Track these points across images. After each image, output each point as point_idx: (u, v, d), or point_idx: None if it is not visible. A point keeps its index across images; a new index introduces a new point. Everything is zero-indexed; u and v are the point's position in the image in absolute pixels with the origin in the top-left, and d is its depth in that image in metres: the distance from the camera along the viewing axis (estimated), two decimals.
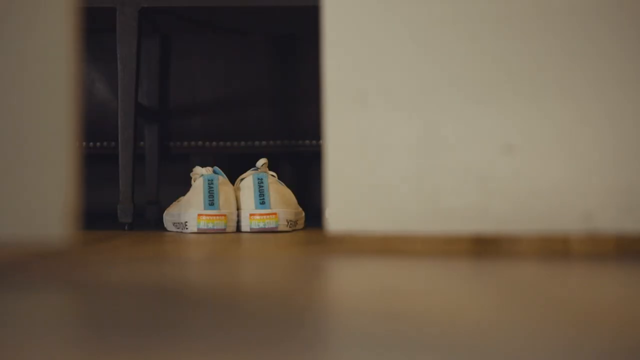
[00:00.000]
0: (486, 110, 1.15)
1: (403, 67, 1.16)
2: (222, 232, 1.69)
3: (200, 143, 2.25)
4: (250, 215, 1.70)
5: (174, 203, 1.84)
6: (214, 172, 1.74)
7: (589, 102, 1.15)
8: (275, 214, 1.70)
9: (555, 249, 1.15)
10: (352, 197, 1.16)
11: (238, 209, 1.72)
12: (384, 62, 1.16)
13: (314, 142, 2.25)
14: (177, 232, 1.74)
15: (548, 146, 1.15)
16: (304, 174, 2.38)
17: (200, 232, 1.68)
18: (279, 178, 1.85)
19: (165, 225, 1.83)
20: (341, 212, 1.16)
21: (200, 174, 1.74)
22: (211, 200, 1.68)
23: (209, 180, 1.70)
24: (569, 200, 1.15)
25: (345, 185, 1.16)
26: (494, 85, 1.15)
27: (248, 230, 1.70)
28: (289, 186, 1.91)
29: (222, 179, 1.71)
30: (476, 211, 1.15)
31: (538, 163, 1.15)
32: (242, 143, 2.25)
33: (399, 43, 1.16)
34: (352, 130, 1.16)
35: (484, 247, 1.16)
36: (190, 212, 1.69)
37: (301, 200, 2.00)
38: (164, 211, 1.95)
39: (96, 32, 2.11)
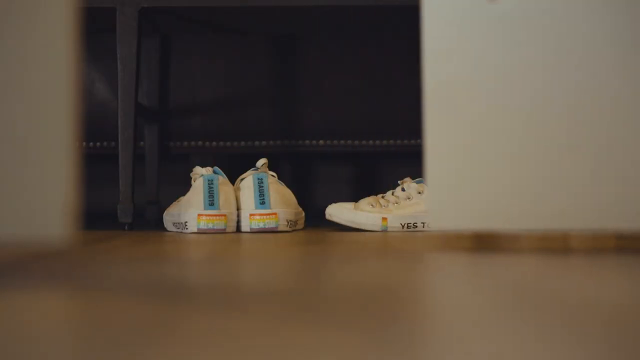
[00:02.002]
0: (585, 113, 1.17)
1: (504, 67, 1.17)
2: (222, 232, 1.69)
3: (200, 143, 2.25)
4: (250, 215, 1.70)
5: (174, 203, 1.83)
6: (214, 172, 1.74)
7: None
8: (275, 214, 1.70)
9: None
10: (452, 196, 1.18)
11: (238, 209, 1.72)
12: (483, 63, 1.18)
13: (314, 142, 2.25)
14: (177, 232, 1.74)
15: None
16: (304, 174, 2.38)
17: (200, 232, 1.68)
18: (279, 178, 1.85)
19: (165, 225, 1.83)
20: (442, 211, 1.18)
21: (200, 174, 1.74)
22: (211, 200, 1.68)
23: (209, 180, 1.70)
24: None
25: (445, 185, 1.18)
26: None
27: (248, 230, 1.70)
28: (289, 186, 1.91)
29: (222, 179, 1.71)
30: (571, 210, 1.17)
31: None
32: (242, 143, 2.25)
33: (500, 45, 1.18)
34: (451, 130, 1.18)
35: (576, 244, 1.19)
36: (190, 212, 1.69)
37: (301, 200, 2.00)
38: (164, 211, 1.95)
39: (96, 32, 2.10)
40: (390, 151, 2.26)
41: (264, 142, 2.25)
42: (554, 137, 1.16)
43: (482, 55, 1.19)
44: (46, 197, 0.94)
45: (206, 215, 1.68)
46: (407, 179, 1.79)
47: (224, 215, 1.68)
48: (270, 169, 1.97)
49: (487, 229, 1.19)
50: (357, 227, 1.74)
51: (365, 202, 1.76)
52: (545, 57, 1.17)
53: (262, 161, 1.79)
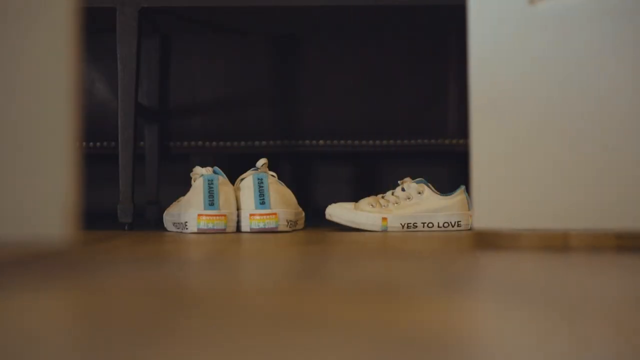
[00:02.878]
0: (630, 115, 1.17)
1: (548, 69, 1.18)
2: (222, 232, 1.69)
3: (200, 143, 2.25)
4: (250, 215, 1.70)
5: (174, 203, 1.83)
6: (214, 172, 1.74)
7: None
8: (275, 214, 1.70)
9: None
10: (497, 195, 1.19)
11: (238, 209, 1.72)
12: (528, 66, 1.19)
13: (314, 142, 2.25)
14: (177, 232, 1.74)
15: None
16: (304, 174, 2.38)
17: (200, 232, 1.68)
18: (279, 178, 1.85)
19: (165, 225, 1.83)
20: (487, 211, 1.19)
21: (200, 174, 1.74)
22: (211, 200, 1.68)
23: (209, 180, 1.70)
24: None
25: (491, 185, 1.19)
26: None
27: (248, 230, 1.70)
28: (289, 186, 1.91)
29: (222, 179, 1.71)
30: (621, 209, 1.17)
31: None
32: (242, 143, 2.25)
33: (544, 49, 1.19)
34: (497, 130, 1.19)
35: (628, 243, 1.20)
36: (190, 212, 1.69)
37: (301, 200, 2.00)
38: (164, 211, 1.95)
39: (96, 32, 2.10)
40: (390, 151, 2.26)
41: (264, 142, 2.25)
42: (598, 138, 1.17)
43: (527, 58, 1.20)
44: (46, 197, 0.93)
45: (206, 215, 1.68)
46: (407, 179, 1.79)
47: (224, 215, 1.68)
48: (270, 169, 1.97)
49: (531, 228, 1.20)
50: (357, 227, 1.74)
51: (365, 202, 1.76)
52: (589, 60, 1.18)
53: (262, 161, 1.79)
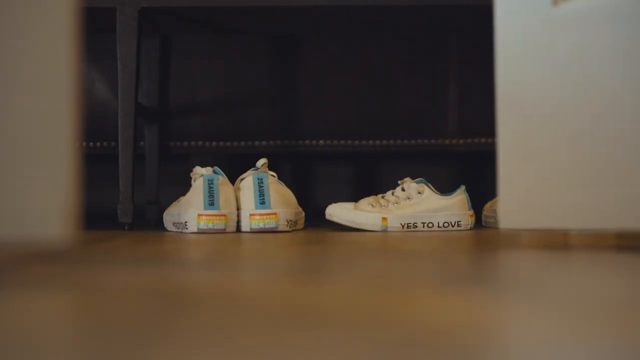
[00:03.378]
0: None
1: (575, 69, 1.19)
2: (222, 232, 1.69)
3: (200, 143, 2.25)
4: (250, 215, 1.70)
5: (174, 203, 1.83)
6: (214, 172, 1.74)
7: None
8: (275, 214, 1.70)
9: None
10: (524, 196, 1.19)
11: (238, 209, 1.72)
12: (552, 64, 1.19)
13: (314, 142, 2.25)
14: (177, 232, 1.74)
15: None
16: (304, 174, 2.38)
17: (200, 232, 1.68)
18: (279, 178, 1.85)
19: (165, 225, 1.83)
20: (514, 211, 1.20)
21: (200, 174, 1.74)
22: (211, 200, 1.68)
23: (209, 180, 1.70)
24: None
25: (517, 185, 1.19)
26: None
27: (248, 230, 1.70)
28: (289, 186, 1.91)
29: (222, 179, 1.71)
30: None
31: None
32: (242, 143, 2.25)
33: (570, 47, 1.19)
34: (523, 130, 1.19)
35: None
36: (190, 212, 1.69)
37: (301, 200, 2.00)
38: (164, 211, 1.95)
39: (96, 32, 2.10)
40: (390, 151, 2.26)
41: (264, 142, 2.25)
42: (624, 138, 1.17)
43: (551, 58, 1.20)
44: (46, 197, 0.94)
45: (206, 215, 1.68)
46: (407, 179, 1.79)
47: (224, 215, 1.68)
48: (270, 169, 1.97)
49: (558, 228, 1.21)
50: (357, 227, 1.74)
51: (365, 202, 1.76)
52: (612, 60, 1.18)
53: (262, 161, 1.79)
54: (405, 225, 1.74)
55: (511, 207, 1.21)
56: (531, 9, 1.21)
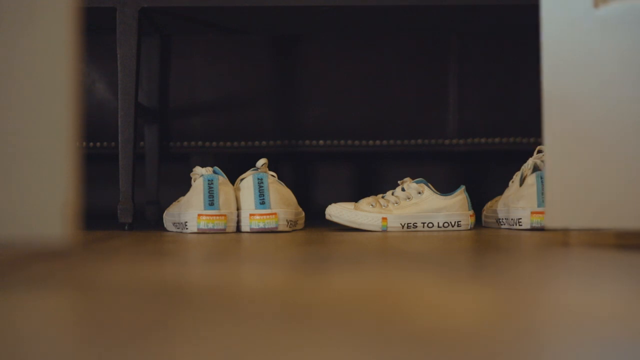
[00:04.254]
0: None
1: (621, 69, 1.20)
2: (222, 232, 1.69)
3: (200, 143, 2.25)
4: (250, 215, 1.70)
5: (174, 203, 1.83)
6: (214, 172, 1.74)
7: None
8: (275, 214, 1.70)
9: None
10: (570, 195, 1.20)
11: (238, 209, 1.72)
12: (595, 66, 1.20)
13: (314, 142, 2.25)
14: (177, 232, 1.74)
15: None
16: (304, 174, 2.38)
17: (200, 232, 1.68)
18: (279, 178, 1.85)
19: (165, 225, 1.83)
20: (560, 210, 1.20)
21: (200, 174, 1.74)
22: (211, 200, 1.68)
23: (209, 180, 1.70)
24: None
25: (564, 186, 1.20)
26: None
27: (248, 230, 1.70)
28: (289, 186, 1.91)
29: (222, 179, 1.71)
30: None
31: None
32: (242, 143, 2.25)
33: (607, 49, 1.20)
34: (569, 131, 1.20)
35: None
36: (190, 212, 1.69)
37: (301, 200, 2.00)
38: (164, 211, 1.95)
39: (96, 32, 2.10)
40: (390, 151, 2.26)
41: (264, 142, 2.25)
42: None
43: (594, 59, 1.22)
44: (46, 197, 0.93)
45: (206, 215, 1.68)
46: (407, 179, 1.79)
47: (224, 215, 1.68)
48: (270, 169, 1.97)
49: (606, 227, 1.21)
50: (357, 227, 1.74)
51: (365, 202, 1.76)
52: None
53: (262, 161, 1.79)
54: (405, 225, 1.74)
55: (558, 207, 1.22)
56: (574, 10, 1.23)
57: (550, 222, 1.22)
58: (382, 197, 1.78)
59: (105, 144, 2.23)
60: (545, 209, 1.24)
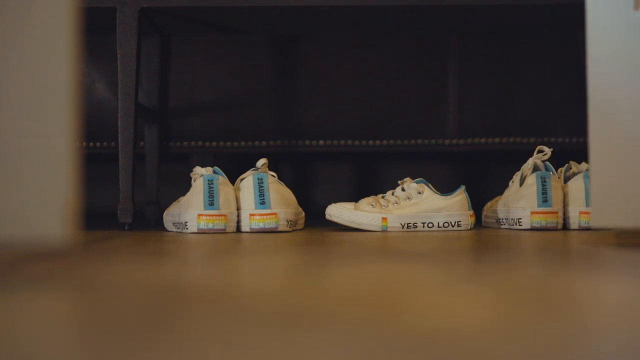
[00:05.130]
0: None
1: None
2: (222, 232, 1.69)
3: (200, 143, 2.25)
4: (250, 215, 1.70)
5: (174, 203, 1.83)
6: (214, 172, 1.74)
7: None
8: (275, 214, 1.70)
9: None
10: (616, 194, 1.20)
11: (238, 209, 1.72)
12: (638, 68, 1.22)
13: (314, 142, 2.25)
14: (177, 232, 1.74)
15: None
16: (304, 174, 2.38)
17: (200, 232, 1.68)
18: (279, 178, 1.85)
19: (165, 225, 1.83)
20: (606, 210, 1.21)
21: (200, 174, 1.74)
22: (211, 200, 1.68)
23: (209, 180, 1.70)
24: None
25: (609, 186, 1.21)
26: None
27: (248, 230, 1.70)
28: (289, 186, 1.91)
29: (222, 179, 1.71)
30: None
31: None
32: (242, 143, 2.25)
33: None
34: (615, 131, 1.21)
35: None
36: (190, 212, 1.69)
37: (301, 200, 2.00)
38: (164, 211, 1.95)
39: (96, 32, 2.10)
40: (390, 151, 2.26)
41: (264, 142, 2.25)
42: None
43: (636, 61, 1.22)
44: (46, 197, 0.94)
45: (206, 215, 1.68)
46: (407, 179, 1.79)
47: (224, 215, 1.68)
48: (270, 169, 1.97)
49: None
50: (357, 227, 1.74)
51: (365, 202, 1.76)
52: None
53: (262, 161, 1.79)
54: (405, 225, 1.74)
55: (603, 207, 1.23)
56: (616, 14, 1.24)
57: (597, 222, 1.23)
58: (382, 197, 1.78)
59: (105, 144, 2.23)
60: (591, 209, 1.24)
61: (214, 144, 2.25)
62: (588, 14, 1.25)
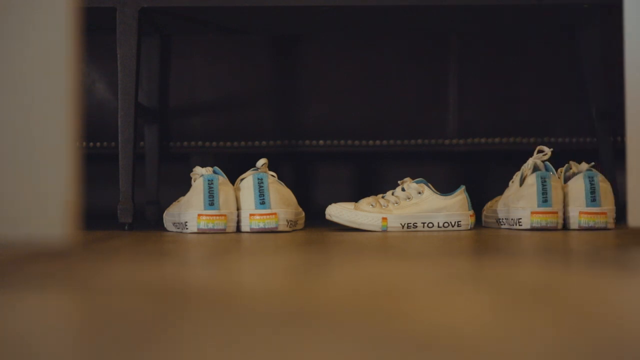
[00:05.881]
0: None
1: None
2: (222, 232, 1.69)
3: (200, 143, 2.25)
4: (250, 215, 1.70)
5: (174, 203, 1.84)
6: (214, 172, 1.74)
7: None
8: (275, 214, 1.70)
9: None
10: None
11: (238, 209, 1.72)
12: None
13: (314, 142, 2.25)
14: (177, 232, 1.74)
15: None
16: (304, 174, 2.38)
17: (200, 232, 1.68)
18: (279, 178, 1.85)
19: (165, 225, 1.83)
20: None
21: (200, 174, 1.74)
22: (211, 200, 1.68)
23: (209, 180, 1.70)
24: None
25: None
26: None
27: (248, 230, 1.70)
28: (289, 186, 1.91)
29: (222, 179, 1.71)
30: None
31: None
32: (242, 143, 2.25)
33: None
34: None
35: None
36: (190, 212, 1.69)
37: (301, 200, 2.00)
38: (164, 211, 1.95)
39: (96, 32, 2.10)
40: (390, 151, 2.26)
41: (264, 142, 2.25)
42: None
43: None
44: (46, 197, 0.94)
45: (206, 215, 1.68)
46: (407, 179, 1.79)
47: (224, 215, 1.68)
48: (270, 169, 1.97)
49: None
50: (357, 227, 1.74)
51: (365, 202, 1.76)
52: None
53: (262, 161, 1.79)
54: (405, 225, 1.74)
55: None
56: None
57: (634, 221, 1.23)
58: (382, 197, 1.78)
59: (105, 144, 2.23)
60: (628, 208, 1.24)
61: (214, 144, 2.25)
62: (625, 13, 1.25)
